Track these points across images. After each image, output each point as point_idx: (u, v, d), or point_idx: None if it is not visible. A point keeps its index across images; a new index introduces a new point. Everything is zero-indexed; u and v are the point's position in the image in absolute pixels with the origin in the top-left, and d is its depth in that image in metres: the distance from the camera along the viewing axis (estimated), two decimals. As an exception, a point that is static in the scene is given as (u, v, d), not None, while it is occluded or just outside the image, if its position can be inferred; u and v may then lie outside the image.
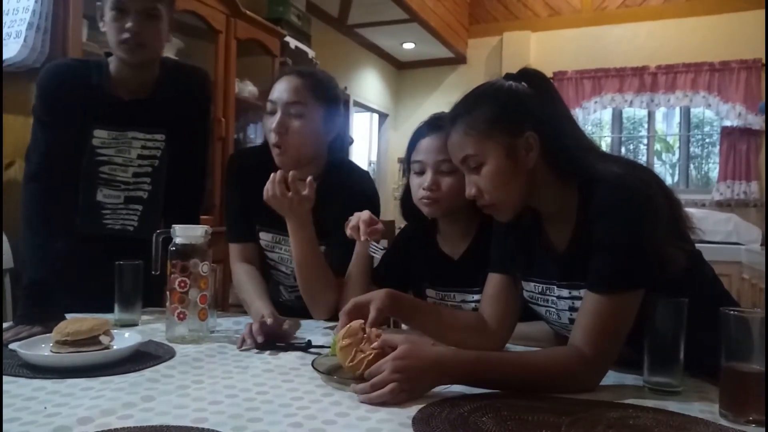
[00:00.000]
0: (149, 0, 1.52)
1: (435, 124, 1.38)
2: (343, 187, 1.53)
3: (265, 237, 1.60)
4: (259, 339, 1.23)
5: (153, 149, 1.66)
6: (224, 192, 1.67)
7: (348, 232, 1.38)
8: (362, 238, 1.37)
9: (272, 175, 1.37)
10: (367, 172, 1.68)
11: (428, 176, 1.37)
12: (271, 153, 1.49)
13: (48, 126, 1.61)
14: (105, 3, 1.54)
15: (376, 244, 1.43)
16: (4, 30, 2.12)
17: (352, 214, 1.42)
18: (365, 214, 1.38)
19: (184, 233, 1.31)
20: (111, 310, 1.43)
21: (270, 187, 1.36)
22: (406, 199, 1.49)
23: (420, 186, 1.39)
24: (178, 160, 1.69)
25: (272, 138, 1.45)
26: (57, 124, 1.60)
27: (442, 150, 1.31)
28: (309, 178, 1.38)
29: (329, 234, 1.50)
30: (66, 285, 1.48)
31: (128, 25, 1.50)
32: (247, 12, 3.14)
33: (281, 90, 1.47)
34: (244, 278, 1.54)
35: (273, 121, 1.45)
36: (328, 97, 1.51)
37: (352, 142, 5.17)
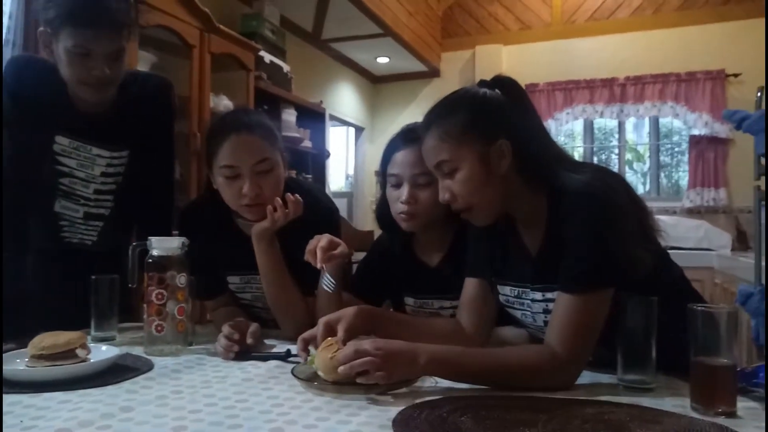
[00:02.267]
0: (115, 42, 1.39)
1: (409, 137, 1.38)
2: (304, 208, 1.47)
3: (233, 280, 1.56)
4: (230, 356, 1.23)
5: (118, 166, 1.59)
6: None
7: (305, 256, 1.30)
8: (318, 266, 1.28)
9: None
10: (317, 186, 1.68)
11: (405, 190, 1.37)
12: (222, 202, 1.44)
13: (11, 126, 1.49)
14: (58, 40, 1.38)
15: (329, 278, 1.35)
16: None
17: (316, 232, 1.37)
18: (324, 239, 1.30)
19: (160, 245, 1.30)
20: (79, 326, 1.41)
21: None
22: (383, 211, 1.49)
23: (398, 199, 1.39)
24: (145, 174, 1.63)
25: (245, 201, 1.38)
26: (21, 124, 1.49)
27: (418, 163, 1.31)
28: (296, 197, 1.40)
29: (295, 258, 1.44)
30: (32, 300, 1.46)
31: (94, 71, 1.38)
32: (221, 27, 3.15)
33: (241, 152, 1.37)
34: (220, 310, 1.56)
35: (240, 186, 1.38)
36: (277, 137, 1.46)
37: (329, 155, 5.16)
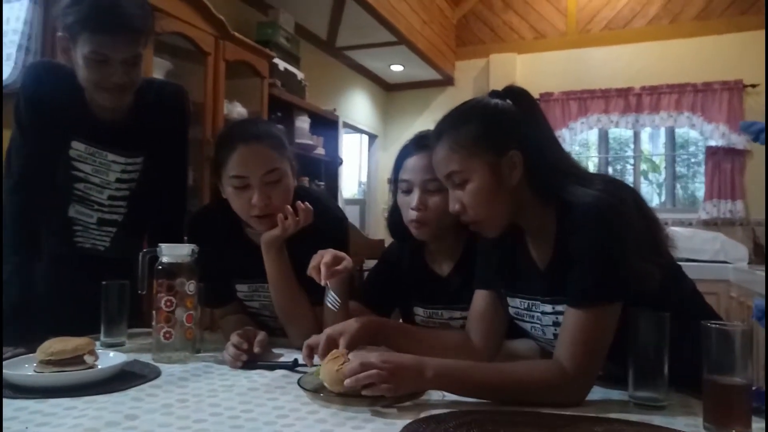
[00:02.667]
0: (132, 48, 1.41)
1: (421, 144, 1.38)
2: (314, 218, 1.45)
3: (241, 288, 1.55)
4: (238, 365, 1.23)
5: (132, 173, 1.60)
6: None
7: (309, 272, 1.27)
8: (322, 282, 1.25)
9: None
10: (325, 194, 1.67)
11: (415, 195, 1.37)
12: (233, 212, 1.44)
13: (29, 131, 1.52)
14: (76, 45, 1.39)
15: (334, 295, 1.32)
16: (-3, 52, 2.13)
17: (324, 243, 1.35)
18: (328, 254, 1.27)
19: (170, 252, 1.30)
20: (89, 332, 1.41)
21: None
22: (394, 218, 1.49)
23: (408, 205, 1.39)
24: (158, 180, 1.64)
25: (254, 212, 1.38)
26: (38, 129, 1.51)
27: (428, 169, 1.31)
28: (306, 205, 1.40)
29: (303, 267, 1.42)
30: (42, 305, 1.47)
31: (112, 77, 1.40)
32: (236, 34, 3.17)
33: (251, 162, 1.36)
34: (228, 318, 1.55)
35: (249, 197, 1.37)
36: (286, 147, 1.45)
37: (341, 162, 5.18)
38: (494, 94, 1.15)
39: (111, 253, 1.64)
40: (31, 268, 1.51)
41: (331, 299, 1.34)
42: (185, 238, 1.56)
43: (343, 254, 1.29)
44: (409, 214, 1.38)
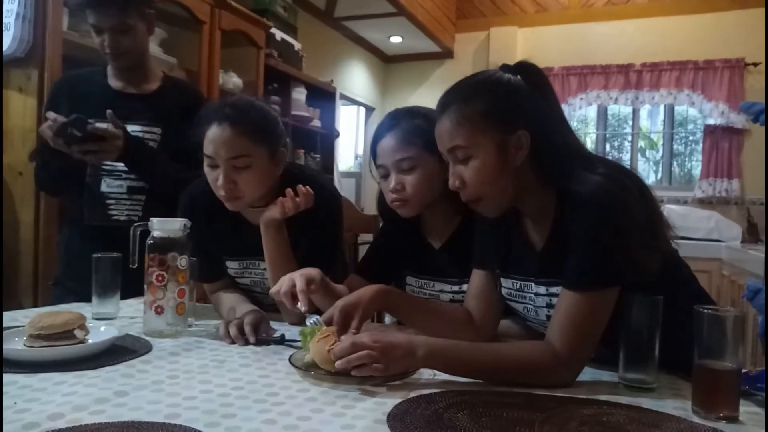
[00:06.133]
0: (117, 17, 1.67)
1: (389, 125, 1.38)
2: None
3: (232, 265, 1.54)
4: (252, 339, 1.22)
5: (151, 141, 1.76)
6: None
7: (277, 297, 1.21)
8: (303, 309, 1.17)
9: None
10: (319, 171, 1.69)
11: (392, 178, 1.37)
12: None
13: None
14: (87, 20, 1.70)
15: (317, 318, 1.16)
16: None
17: (318, 222, 1.42)
18: (300, 279, 1.18)
19: (162, 226, 1.29)
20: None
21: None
22: (383, 204, 1.48)
23: (388, 189, 1.39)
24: (174, 153, 1.74)
25: (220, 192, 1.36)
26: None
27: (398, 148, 1.34)
28: (307, 189, 1.38)
29: (299, 245, 1.44)
30: (79, 279, 1.56)
31: (105, 42, 1.69)
32: (233, 3, 3.11)
33: (218, 144, 1.33)
34: (222, 294, 1.54)
35: (217, 177, 1.35)
36: (268, 134, 1.39)
37: (338, 135, 5.12)
38: (505, 68, 1.11)
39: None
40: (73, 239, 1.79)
41: (315, 320, 1.19)
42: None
43: (312, 272, 1.23)
44: (389, 196, 1.38)
